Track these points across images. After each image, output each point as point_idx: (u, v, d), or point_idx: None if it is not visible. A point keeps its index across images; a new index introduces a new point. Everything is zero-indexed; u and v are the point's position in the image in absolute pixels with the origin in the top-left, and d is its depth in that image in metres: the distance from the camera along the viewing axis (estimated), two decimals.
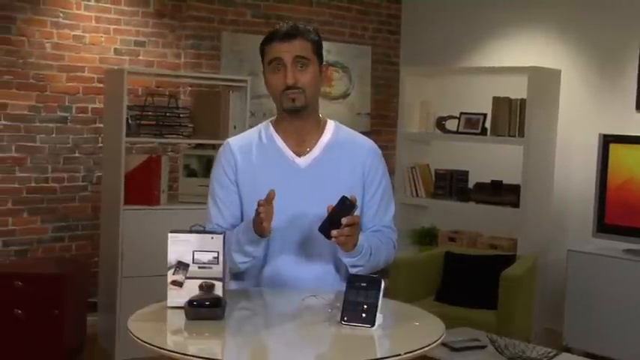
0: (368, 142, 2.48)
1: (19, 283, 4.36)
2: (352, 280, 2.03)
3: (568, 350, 4.81)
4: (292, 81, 2.30)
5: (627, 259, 4.77)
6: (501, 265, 4.58)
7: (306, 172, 2.37)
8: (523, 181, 5.15)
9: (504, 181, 5.34)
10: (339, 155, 2.40)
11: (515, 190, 5.21)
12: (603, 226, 4.99)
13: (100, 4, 5.29)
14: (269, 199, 2.15)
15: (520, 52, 5.82)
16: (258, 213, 2.16)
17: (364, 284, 2.00)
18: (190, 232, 2.11)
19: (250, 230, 2.24)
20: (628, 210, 4.87)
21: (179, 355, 1.80)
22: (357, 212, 2.24)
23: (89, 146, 5.29)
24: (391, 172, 5.90)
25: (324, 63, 2.43)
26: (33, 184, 5.09)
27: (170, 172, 5.08)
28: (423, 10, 6.65)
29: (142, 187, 4.71)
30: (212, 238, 2.09)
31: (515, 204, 5.18)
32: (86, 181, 5.30)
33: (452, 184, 5.59)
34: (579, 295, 4.94)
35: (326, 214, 2.15)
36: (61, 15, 5.14)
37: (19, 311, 4.34)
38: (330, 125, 2.46)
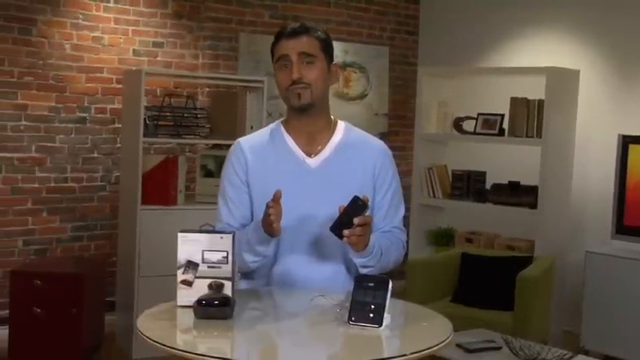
0: (379, 143, 2.48)
1: (38, 282, 4.41)
2: (360, 280, 2.04)
3: (586, 352, 4.77)
4: (297, 75, 2.31)
5: None
6: (518, 267, 4.56)
7: (316, 173, 2.37)
8: (541, 182, 5.12)
9: (522, 182, 5.31)
10: (350, 156, 2.40)
11: (532, 191, 5.18)
12: (622, 228, 4.94)
13: (119, 6, 5.33)
14: (276, 198, 2.16)
15: (538, 53, 5.79)
16: (268, 214, 2.17)
17: (372, 284, 2.00)
18: (200, 231, 2.12)
19: (260, 230, 2.25)
20: None
21: (189, 354, 1.81)
22: (367, 213, 2.25)
23: (108, 146, 5.33)
24: (408, 172, 5.94)
25: (334, 62, 2.43)
26: (52, 184, 5.14)
27: (188, 172, 5.12)
28: (441, 10, 6.63)
29: (159, 188, 4.75)
30: (221, 237, 2.10)
31: (533, 205, 5.15)
32: (104, 181, 5.35)
33: (469, 185, 5.57)
34: (597, 297, 4.90)
35: (337, 214, 2.16)
36: (81, 16, 5.19)
37: (38, 310, 4.39)
38: (341, 126, 2.46)
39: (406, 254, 6.24)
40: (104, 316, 4.82)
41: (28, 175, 5.05)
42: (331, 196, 2.26)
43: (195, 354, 1.81)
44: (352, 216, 2.14)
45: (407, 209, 6.49)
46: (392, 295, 1.99)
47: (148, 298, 4.40)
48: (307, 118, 2.39)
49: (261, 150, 2.42)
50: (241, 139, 2.47)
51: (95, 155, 5.31)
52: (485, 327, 4.12)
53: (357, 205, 2.15)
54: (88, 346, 4.57)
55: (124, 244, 4.90)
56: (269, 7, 5.99)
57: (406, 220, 6.30)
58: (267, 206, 2.17)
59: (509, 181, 5.37)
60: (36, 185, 5.08)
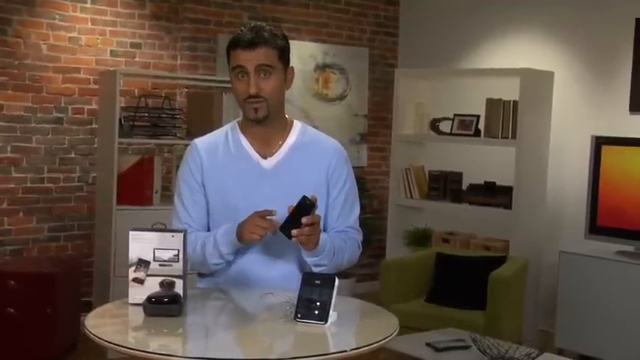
0: (333, 143, 2.48)
1: (12, 282, 4.42)
2: (307, 278, 2.06)
3: (560, 352, 4.81)
4: (255, 90, 2.29)
5: (619, 261, 4.76)
6: (492, 267, 4.58)
7: (270, 174, 2.38)
8: (515, 183, 5.15)
9: (497, 183, 5.35)
10: (305, 156, 2.41)
11: (508, 191, 5.21)
12: (595, 228, 4.98)
13: (96, 6, 5.33)
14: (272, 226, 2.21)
15: (514, 54, 5.83)
16: (257, 226, 2.20)
17: (318, 282, 2.02)
18: (151, 230, 2.13)
19: (232, 235, 2.27)
20: (620, 212, 4.87)
21: (139, 353, 1.82)
22: (321, 212, 2.27)
23: (85, 147, 5.34)
24: (388, 173, 5.95)
25: (290, 66, 2.41)
26: (29, 185, 5.15)
27: (167, 172, 5.13)
28: (421, 12, 6.66)
29: (135, 188, 4.78)
30: (173, 236, 2.11)
31: (508, 205, 5.18)
32: (82, 181, 5.35)
33: (446, 186, 5.60)
34: (571, 297, 4.94)
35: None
36: (57, 17, 5.19)
37: (12, 310, 4.40)
38: (297, 127, 2.46)
39: (382, 254, 6.22)
40: (80, 316, 4.81)
41: (4, 176, 5.04)
42: (285, 197, 2.25)
43: (146, 352, 1.82)
44: (301, 216, 2.15)
45: (385, 210, 6.47)
46: (339, 293, 2.02)
47: (123, 298, 4.42)
48: (263, 126, 2.39)
49: (216, 151, 2.42)
50: (197, 140, 2.48)
51: (72, 156, 5.31)
52: (459, 327, 4.14)
53: (306, 205, 2.16)
54: (63, 346, 4.58)
55: (100, 244, 4.91)
56: (248, 9, 6.00)
57: (384, 221, 6.30)
58: (257, 217, 2.20)
59: (485, 182, 5.40)
60: (12, 185, 5.08)
